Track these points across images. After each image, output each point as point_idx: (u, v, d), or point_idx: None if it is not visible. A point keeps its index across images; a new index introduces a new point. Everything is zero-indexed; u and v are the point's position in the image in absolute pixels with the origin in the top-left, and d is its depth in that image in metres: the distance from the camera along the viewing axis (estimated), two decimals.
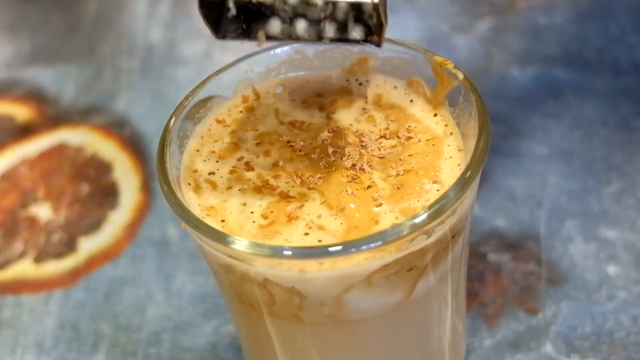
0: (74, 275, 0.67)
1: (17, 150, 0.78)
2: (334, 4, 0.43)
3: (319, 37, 0.44)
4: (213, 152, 0.49)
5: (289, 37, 0.44)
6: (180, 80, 0.82)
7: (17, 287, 0.67)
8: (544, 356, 0.58)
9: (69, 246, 0.69)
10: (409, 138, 0.48)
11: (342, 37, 0.43)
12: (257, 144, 0.49)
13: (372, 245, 0.42)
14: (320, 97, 0.52)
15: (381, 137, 0.49)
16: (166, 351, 0.61)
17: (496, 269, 0.63)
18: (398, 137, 0.48)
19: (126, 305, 0.64)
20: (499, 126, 0.73)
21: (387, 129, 0.49)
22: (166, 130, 0.49)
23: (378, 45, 0.44)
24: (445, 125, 0.49)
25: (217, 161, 0.49)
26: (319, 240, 0.44)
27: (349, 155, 0.47)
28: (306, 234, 0.44)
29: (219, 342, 0.61)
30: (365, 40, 0.44)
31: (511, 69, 0.79)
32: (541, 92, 0.76)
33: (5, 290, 0.67)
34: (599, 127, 0.72)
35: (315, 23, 0.43)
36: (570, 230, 0.65)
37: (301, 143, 0.49)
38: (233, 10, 0.43)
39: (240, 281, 0.46)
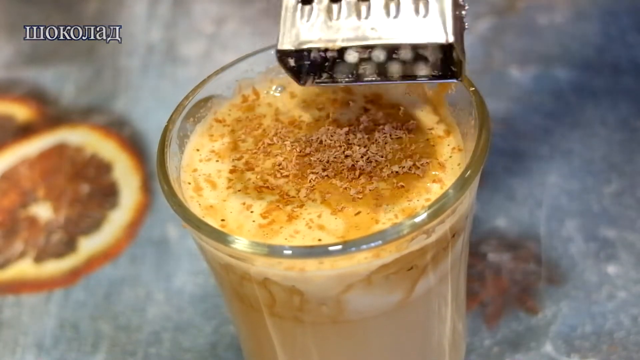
0: (74, 275, 0.67)
1: (17, 150, 0.78)
2: (404, 47, 0.43)
3: (399, 76, 0.44)
4: (213, 151, 0.49)
5: (362, 79, 0.44)
6: (180, 80, 0.82)
7: (17, 287, 0.67)
8: (544, 356, 0.58)
9: (69, 246, 0.69)
10: (409, 138, 0.48)
11: (416, 75, 0.44)
12: (257, 144, 0.49)
13: (372, 244, 0.42)
14: (320, 97, 0.52)
15: (381, 137, 0.49)
16: (166, 351, 0.61)
17: (496, 269, 0.63)
18: (398, 136, 0.48)
19: (126, 305, 0.64)
20: (499, 126, 0.73)
21: (386, 128, 0.49)
22: (166, 130, 0.49)
23: (460, 80, 0.44)
24: (445, 125, 0.49)
25: (217, 161, 0.49)
26: (319, 240, 0.44)
27: (349, 155, 0.47)
28: (306, 233, 0.44)
29: (219, 342, 0.61)
30: (442, 77, 0.44)
31: (511, 69, 0.79)
32: (541, 92, 0.76)
33: (5, 290, 0.67)
34: (599, 127, 0.72)
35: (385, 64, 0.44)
36: (570, 230, 0.65)
37: (301, 143, 0.49)
38: (308, 59, 0.44)
39: (240, 281, 0.46)
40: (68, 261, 0.68)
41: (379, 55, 0.43)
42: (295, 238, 0.44)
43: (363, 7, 0.43)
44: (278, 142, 0.49)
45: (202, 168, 0.49)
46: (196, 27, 0.88)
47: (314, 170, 0.47)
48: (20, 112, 0.81)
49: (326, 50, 0.43)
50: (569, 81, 0.77)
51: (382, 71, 0.45)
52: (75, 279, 0.67)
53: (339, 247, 0.42)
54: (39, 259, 0.68)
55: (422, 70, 0.44)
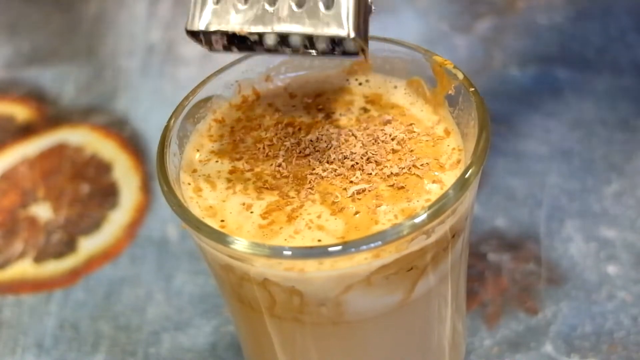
0: (74, 275, 0.67)
1: (17, 150, 0.78)
2: (311, 39, 0.45)
3: (306, 51, 0.46)
4: (213, 152, 0.49)
5: (272, 51, 0.47)
6: (180, 80, 0.82)
7: (17, 287, 0.67)
8: (544, 356, 0.58)
9: (69, 246, 0.69)
10: (409, 138, 0.48)
11: (328, 52, 0.46)
12: (257, 144, 0.49)
13: (372, 245, 0.42)
14: (320, 97, 0.52)
15: (381, 137, 0.49)
16: (166, 351, 0.61)
17: (496, 269, 0.63)
18: (398, 137, 0.48)
19: (126, 305, 0.64)
20: (499, 126, 0.73)
21: (386, 129, 0.49)
22: (166, 130, 0.49)
23: (364, 58, 0.46)
24: (445, 126, 0.49)
25: (216, 161, 0.49)
26: (319, 240, 0.44)
27: (348, 155, 0.47)
28: (306, 234, 0.44)
29: (219, 342, 0.61)
30: (350, 54, 0.46)
31: (511, 69, 0.79)
32: (541, 92, 0.76)
33: (5, 290, 0.67)
34: (599, 127, 0.72)
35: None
36: (570, 230, 0.65)
37: (301, 143, 0.49)
38: (220, 42, 0.46)
39: (240, 281, 0.46)
40: (68, 261, 0.68)
41: (290, 43, 0.46)
42: (295, 239, 0.44)
43: None
44: (278, 142, 0.49)
45: (201, 168, 0.49)
46: None
47: (313, 171, 0.47)
48: (20, 112, 0.81)
49: (233, 33, 0.45)
50: (569, 81, 0.77)
51: (292, 48, 0.46)
52: (75, 279, 0.67)
53: (339, 247, 0.42)
54: (39, 259, 0.68)
55: (329, 50, 0.46)
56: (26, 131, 0.79)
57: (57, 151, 0.77)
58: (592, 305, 0.61)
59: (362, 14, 0.44)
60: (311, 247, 0.43)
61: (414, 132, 0.49)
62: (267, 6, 0.44)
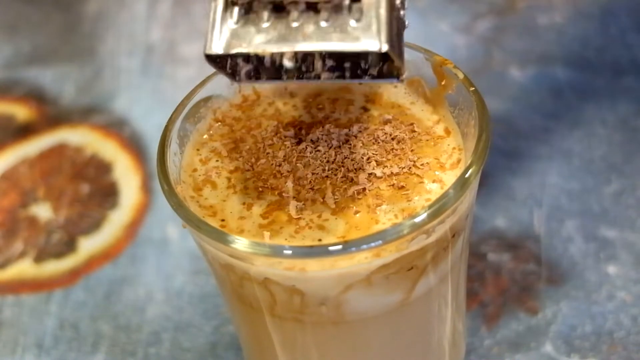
0: (74, 275, 0.67)
1: (17, 150, 0.78)
2: (342, 59, 0.41)
3: (337, 77, 0.42)
4: (213, 151, 0.49)
5: (298, 77, 0.43)
6: (180, 80, 0.82)
7: (17, 287, 0.67)
8: (544, 356, 0.58)
9: (69, 246, 0.69)
10: (409, 138, 0.48)
11: (360, 74, 0.42)
12: (257, 144, 0.49)
13: (372, 244, 0.42)
14: (320, 96, 0.52)
15: (381, 136, 0.49)
16: (166, 351, 0.61)
17: (496, 269, 0.63)
18: (398, 136, 0.48)
19: (126, 305, 0.64)
20: (499, 126, 0.73)
21: (386, 128, 0.49)
22: (166, 130, 0.49)
23: (399, 81, 0.42)
24: (446, 125, 0.49)
25: (217, 160, 0.49)
26: (319, 240, 0.44)
27: (349, 155, 0.47)
28: (306, 233, 0.44)
29: (219, 342, 0.61)
30: (383, 77, 0.42)
31: (511, 69, 0.79)
32: (541, 92, 0.76)
33: (5, 290, 0.67)
34: (599, 127, 0.72)
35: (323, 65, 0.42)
36: (570, 230, 0.65)
37: (301, 142, 0.49)
38: (239, 63, 0.42)
39: (240, 281, 0.46)
40: (68, 261, 0.68)
41: (314, 61, 0.42)
42: (296, 238, 0.44)
43: (295, 11, 0.41)
44: (278, 142, 0.49)
45: (202, 168, 0.49)
46: (196, 27, 0.88)
47: (314, 171, 0.47)
48: (20, 112, 0.81)
49: (256, 55, 0.41)
50: (569, 81, 0.77)
51: (320, 73, 0.43)
52: (75, 279, 0.67)
53: (339, 247, 0.42)
54: (39, 259, 0.68)
55: (360, 72, 0.42)
56: (26, 131, 0.79)
57: (57, 151, 0.77)
58: (592, 305, 0.61)
59: (396, 28, 0.41)
60: (312, 247, 0.43)
61: (414, 131, 0.49)
62: (291, 23, 0.41)
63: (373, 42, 0.40)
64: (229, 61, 0.42)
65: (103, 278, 0.66)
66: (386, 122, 0.49)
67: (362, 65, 0.42)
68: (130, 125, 0.78)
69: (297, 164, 0.47)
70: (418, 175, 0.46)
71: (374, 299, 0.45)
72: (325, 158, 0.47)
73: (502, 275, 0.63)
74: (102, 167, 0.75)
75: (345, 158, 0.47)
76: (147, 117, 0.79)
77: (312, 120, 0.50)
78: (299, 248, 0.43)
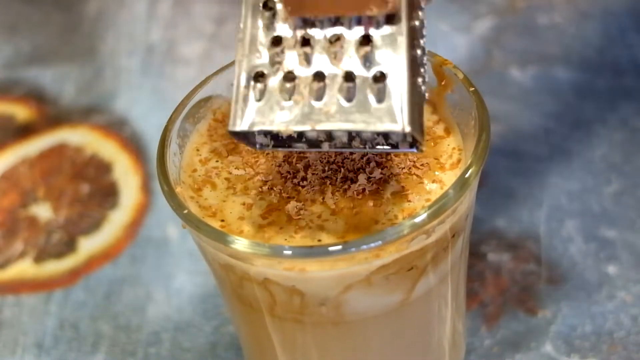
0: (74, 275, 0.67)
1: (17, 150, 0.78)
2: (358, 133, 0.42)
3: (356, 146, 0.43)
4: (213, 151, 0.49)
5: (329, 147, 0.43)
6: (180, 80, 0.82)
7: (17, 287, 0.67)
8: (544, 356, 0.58)
9: (69, 246, 0.69)
10: None
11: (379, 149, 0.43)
12: None
13: (372, 245, 0.42)
14: None
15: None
16: (166, 351, 0.61)
17: (496, 269, 0.63)
18: None
19: (126, 305, 0.64)
20: (499, 126, 0.73)
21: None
22: (166, 130, 0.49)
23: (420, 152, 0.43)
24: (445, 125, 0.49)
25: (217, 161, 0.49)
26: (319, 240, 0.44)
27: (348, 156, 0.47)
28: (306, 233, 0.44)
29: (219, 342, 0.61)
30: (405, 148, 0.43)
31: (511, 69, 0.79)
32: (541, 92, 0.76)
33: (5, 290, 0.67)
34: (599, 127, 0.72)
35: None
36: (570, 230, 0.65)
37: None
38: (263, 139, 0.43)
39: (241, 281, 0.46)
40: (68, 261, 0.68)
41: (336, 138, 0.42)
42: (295, 238, 0.44)
43: (318, 88, 0.41)
44: None
45: (202, 168, 0.49)
46: (196, 27, 0.88)
47: (314, 171, 0.47)
48: (20, 112, 0.81)
49: (278, 132, 0.42)
50: (569, 81, 0.77)
51: (340, 145, 0.43)
52: (75, 279, 0.67)
53: (339, 247, 0.42)
54: (39, 259, 0.68)
55: (381, 146, 0.42)
56: (26, 131, 0.79)
57: (57, 151, 0.77)
58: (592, 305, 0.61)
59: (417, 104, 0.41)
60: (311, 247, 0.43)
61: None
62: (313, 102, 0.41)
63: (396, 124, 0.40)
64: (253, 136, 0.43)
65: (103, 278, 0.66)
66: None
67: (383, 140, 0.42)
68: (130, 125, 0.78)
69: (297, 165, 0.47)
70: (418, 176, 0.46)
71: (373, 299, 0.45)
72: (325, 158, 0.47)
73: (502, 275, 0.63)
74: (102, 167, 0.75)
75: (345, 159, 0.47)
76: (147, 117, 0.79)
77: None
78: (299, 248, 0.43)
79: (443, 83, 0.49)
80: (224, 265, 0.46)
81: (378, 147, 0.42)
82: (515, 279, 0.63)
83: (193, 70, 0.83)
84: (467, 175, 0.44)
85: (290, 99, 0.41)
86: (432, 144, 0.48)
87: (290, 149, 0.43)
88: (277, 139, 0.43)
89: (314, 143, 0.43)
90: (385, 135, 0.41)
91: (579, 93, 0.76)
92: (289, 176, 0.47)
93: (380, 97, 0.41)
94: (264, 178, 0.47)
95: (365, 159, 0.47)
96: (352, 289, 0.44)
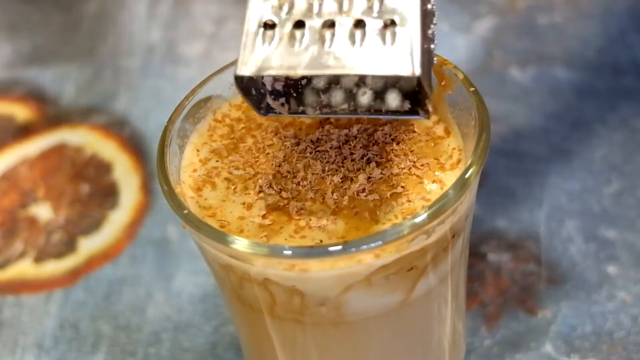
0: (74, 275, 0.67)
1: (17, 150, 0.78)
2: (368, 78, 0.41)
3: (365, 109, 0.43)
4: (213, 151, 0.49)
5: (329, 110, 0.43)
6: (180, 80, 0.82)
7: (17, 287, 0.67)
8: (544, 356, 0.58)
9: (69, 246, 0.69)
10: (409, 138, 0.48)
11: (383, 109, 0.43)
12: (257, 144, 0.49)
13: (372, 245, 0.42)
14: None
15: (381, 137, 0.49)
16: (166, 351, 0.61)
17: (496, 269, 0.63)
18: (398, 137, 0.48)
19: (126, 305, 0.64)
20: (499, 126, 0.73)
21: (386, 129, 0.49)
22: (166, 130, 0.49)
23: (427, 117, 0.43)
24: (445, 125, 0.49)
25: (217, 161, 0.49)
26: (319, 240, 0.44)
27: (348, 156, 0.47)
28: (306, 233, 0.44)
29: (219, 342, 0.61)
30: (410, 112, 0.43)
31: (511, 69, 0.79)
32: (541, 92, 0.76)
33: (5, 290, 0.67)
34: (599, 127, 0.72)
35: (353, 94, 0.43)
36: (570, 230, 0.65)
37: (301, 143, 0.49)
38: (269, 87, 0.43)
39: (241, 281, 0.46)
40: (68, 261, 0.68)
41: (343, 84, 0.42)
42: (295, 238, 0.44)
43: (327, 35, 0.41)
44: (278, 142, 0.49)
45: (202, 168, 0.49)
46: (196, 27, 0.88)
47: (314, 171, 0.47)
48: (20, 112, 0.81)
49: (287, 78, 0.41)
50: (569, 81, 0.77)
51: (348, 102, 0.43)
52: (75, 279, 0.67)
53: (339, 247, 0.42)
54: (39, 259, 0.68)
55: (389, 103, 0.42)
56: (26, 131, 0.79)
57: (57, 151, 0.77)
58: (592, 305, 0.61)
59: (427, 52, 0.41)
60: (311, 247, 0.43)
61: (414, 132, 0.49)
62: (323, 48, 0.41)
63: (406, 68, 0.40)
64: (258, 84, 0.42)
65: (103, 278, 0.66)
66: (386, 122, 0.49)
67: (392, 94, 0.42)
68: (130, 125, 0.78)
69: (297, 165, 0.47)
70: (418, 176, 0.46)
71: (373, 299, 0.45)
72: (325, 159, 0.47)
73: (502, 275, 0.63)
74: (102, 167, 0.75)
75: (345, 159, 0.47)
76: (147, 117, 0.79)
77: (312, 120, 0.50)
78: (299, 248, 0.43)
79: (443, 83, 0.49)
80: (224, 266, 0.46)
81: (386, 107, 0.41)
82: (515, 279, 0.63)
83: (193, 70, 0.83)
84: (467, 176, 0.44)
85: (300, 46, 0.41)
86: (432, 144, 0.48)
87: (295, 114, 0.42)
88: (284, 95, 0.42)
89: (322, 99, 0.42)
90: (395, 83, 0.41)
91: (579, 93, 0.76)
92: (289, 176, 0.47)
93: (391, 43, 0.40)
94: (264, 178, 0.47)
95: (365, 158, 0.47)
96: (352, 289, 0.44)
